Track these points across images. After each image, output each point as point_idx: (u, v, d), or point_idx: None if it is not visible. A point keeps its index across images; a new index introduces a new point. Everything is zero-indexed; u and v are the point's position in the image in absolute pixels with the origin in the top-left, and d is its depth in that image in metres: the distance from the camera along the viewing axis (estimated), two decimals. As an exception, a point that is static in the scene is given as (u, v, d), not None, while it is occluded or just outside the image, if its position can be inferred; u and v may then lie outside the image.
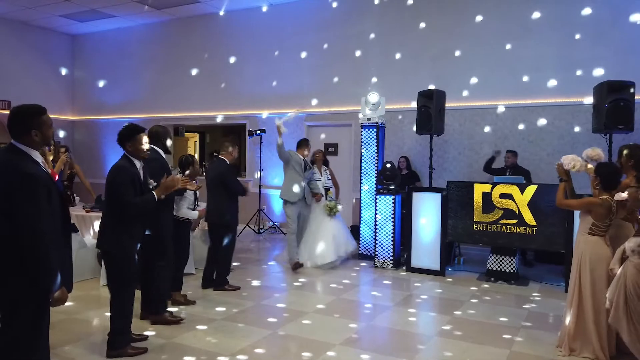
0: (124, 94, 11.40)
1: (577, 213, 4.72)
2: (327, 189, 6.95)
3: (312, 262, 6.54)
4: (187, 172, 4.85)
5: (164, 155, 4.38)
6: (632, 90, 5.77)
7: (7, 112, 10.26)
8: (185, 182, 4.01)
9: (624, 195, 3.50)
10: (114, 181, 3.57)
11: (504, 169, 7.09)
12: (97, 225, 6.22)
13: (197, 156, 14.60)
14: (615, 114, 5.75)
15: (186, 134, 13.52)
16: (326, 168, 7.15)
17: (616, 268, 3.42)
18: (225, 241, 5.36)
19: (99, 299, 5.02)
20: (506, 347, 3.92)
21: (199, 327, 4.27)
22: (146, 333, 4.03)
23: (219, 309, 4.77)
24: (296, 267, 6.33)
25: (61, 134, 11.61)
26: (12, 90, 10.47)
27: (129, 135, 3.64)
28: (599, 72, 6.91)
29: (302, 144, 6.74)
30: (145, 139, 3.69)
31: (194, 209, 4.88)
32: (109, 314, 3.69)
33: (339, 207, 6.88)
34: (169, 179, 3.81)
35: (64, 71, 11.94)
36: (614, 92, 5.78)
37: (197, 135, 14.61)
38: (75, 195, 7.42)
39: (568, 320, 3.79)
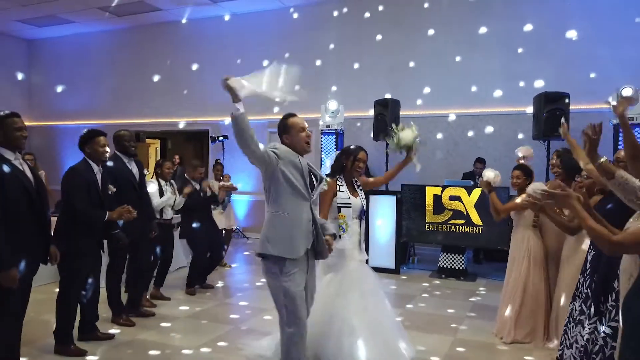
0: (84, 100, 11.32)
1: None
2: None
3: None
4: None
5: (125, 160, 4.43)
6: (567, 100, 6.32)
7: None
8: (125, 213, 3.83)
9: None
10: (66, 183, 3.63)
11: (473, 175, 7.53)
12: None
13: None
14: (552, 123, 6.27)
15: (147, 140, 13.46)
16: (359, 182, 3.82)
17: None
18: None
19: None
20: (451, 335, 4.28)
21: (163, 324, 4.44)
22: (111, 331, 4.16)
23: (182, 307, 4.94)
24: None
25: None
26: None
27: (87, 138, 3.73)
28: (539, 83, 7.45)
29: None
30: (103, 142, 3.75)
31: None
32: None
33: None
34: (125, 210, 3.73)
35: (20, 76, 11.73)
36: (551, 103, 6.32)
37: (158, 141, 14.56)
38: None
39: (509, 311, 4.16)
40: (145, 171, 4.90)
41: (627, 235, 1.80)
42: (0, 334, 2.87)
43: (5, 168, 2.85)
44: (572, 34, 7.38)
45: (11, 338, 2.99)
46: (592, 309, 2.86)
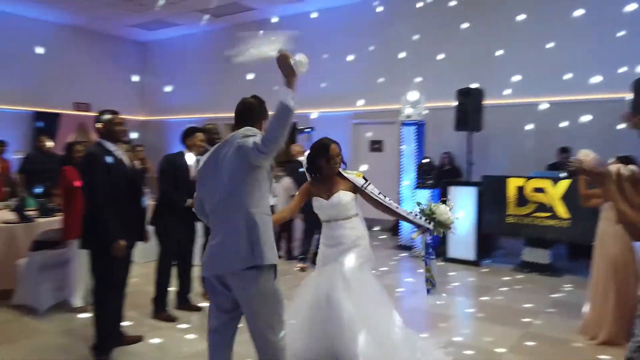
0: (186, 96, 12.36)
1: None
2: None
3: None
4: None
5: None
6: (672, 85, 5.78)
7: (86, 113, 11.57)
8: None
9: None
10: (158, 169, 4.29)
11: (557, 166, 7.18)
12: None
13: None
14: (653, 110, 5.78)
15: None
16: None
17: None
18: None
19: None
20: (522, 328, 4.22)
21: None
22: (202, 304, 4.67)
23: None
24: None
25: (133, 134, 12.74)
26: (91, 94, 11.68)
27: (187, 133, 4.41)
28: (644, 68, 6.87)
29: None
30: (200, 137, 4.37)
31: None
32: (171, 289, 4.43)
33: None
34: None
35: (134, 76, 13.10)
36: (652, 88, 5.82)
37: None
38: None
39: (591, 309, 4.02)
40: None
41: None
42: (110, 298, 3.42)
43: (110, 157, 3.38)
44: (683, 12, 6.70)
45: (117, 302, 3.54)
46: None
